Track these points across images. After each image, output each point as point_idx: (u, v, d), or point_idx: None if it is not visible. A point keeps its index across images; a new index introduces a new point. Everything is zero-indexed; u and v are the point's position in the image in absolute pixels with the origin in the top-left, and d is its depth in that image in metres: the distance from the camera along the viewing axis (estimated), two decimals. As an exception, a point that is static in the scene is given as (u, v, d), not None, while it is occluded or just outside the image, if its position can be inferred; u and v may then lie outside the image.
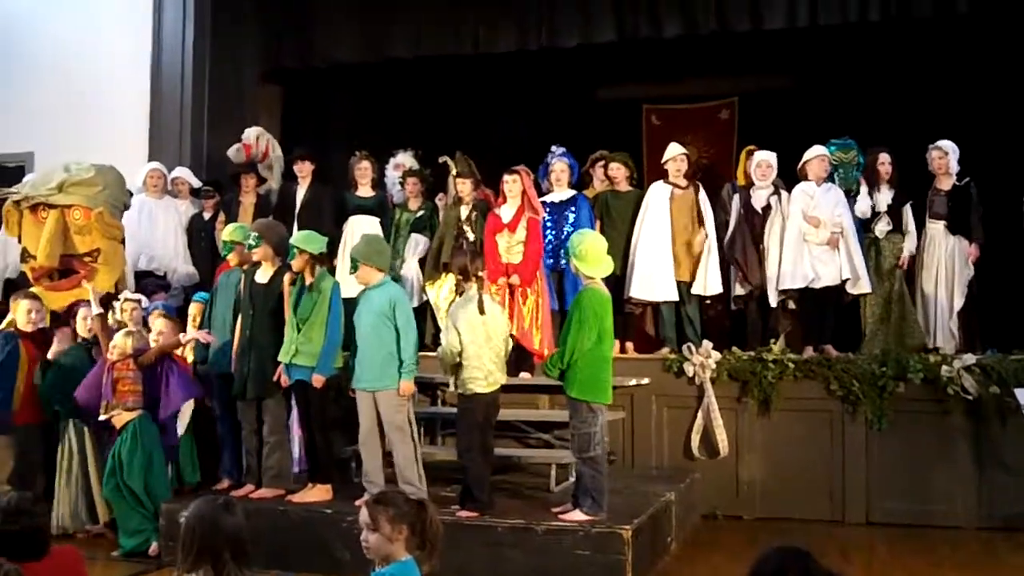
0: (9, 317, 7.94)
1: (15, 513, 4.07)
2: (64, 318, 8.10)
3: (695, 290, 8.92)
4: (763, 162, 9.00)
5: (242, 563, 3.70)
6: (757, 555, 3.10)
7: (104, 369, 7.29)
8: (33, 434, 7.73)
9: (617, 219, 9.06)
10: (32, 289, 8.37)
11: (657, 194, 9.02)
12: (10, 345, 7.72)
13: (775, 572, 3.07)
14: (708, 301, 9.03)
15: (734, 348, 8.60)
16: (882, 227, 8.95)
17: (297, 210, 9.76)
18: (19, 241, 8.96)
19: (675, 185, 9.01)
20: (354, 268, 6.89)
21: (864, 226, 8.96)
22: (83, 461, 7.69)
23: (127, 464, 7.12)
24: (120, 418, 7.20)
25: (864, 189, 9.00)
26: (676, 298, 8.86)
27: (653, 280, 8.83)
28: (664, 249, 8.85)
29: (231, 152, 10.43)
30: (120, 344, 7.27)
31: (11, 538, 4.01)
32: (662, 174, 9.29)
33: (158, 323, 7.92)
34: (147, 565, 6.88)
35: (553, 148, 9.31)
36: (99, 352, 7.67)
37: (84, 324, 7.91)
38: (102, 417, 7.23)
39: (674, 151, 9.12)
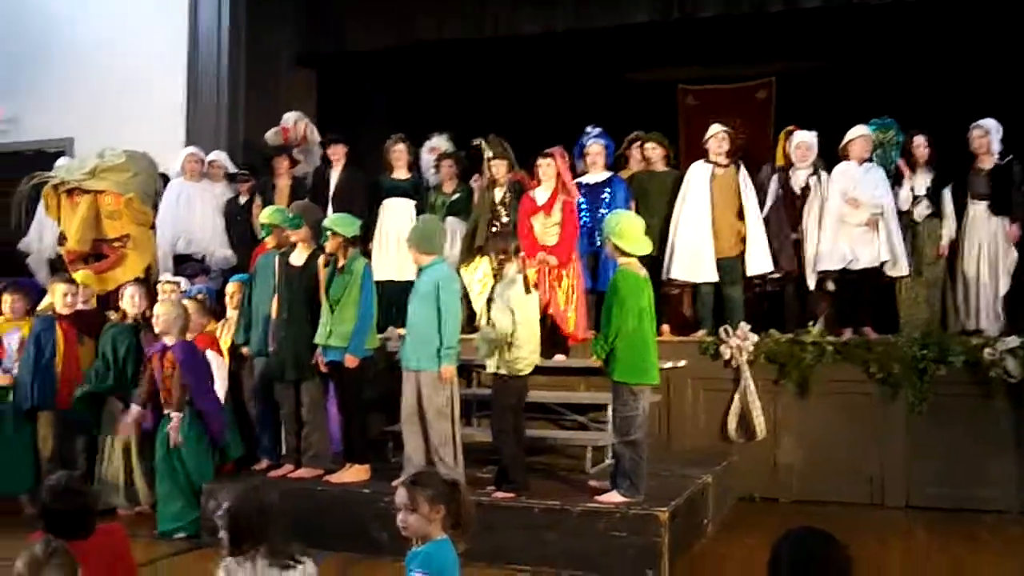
0: (47, 300, 8.02)
1: (64, 492, 4.14)
2: (113, 301, 8.14)
3: (749, 272, 8.79)
4: (802, 143, 8.91)
5: (288, 542, 3.76)
6: (781, 535, 3.09)
7: (150, 363, 7.35)
8: (73, 414, 7.80)
9: (653, 200, 8.99)
10: (79, 273, 8.47)
11: (698, 173, 8.92)
12: (46, 328, 7.83)
13: (795, 552, 3.06)
14: (756, 283, 8.96)
15: (771, 330, 8.53)
16: (921, 210, 8.82)
17: (331, 193, 9.81)
18: (58, 224, 9.09)
19: (716, 164, 8.92)
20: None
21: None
22: (124, 441, 7.76)
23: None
24: None
25: (908, 183, 8.87)
26: (716, 279, 8.78)
27: (694, 261, 8.74)
28: (705, 229, 8.76)
29: (269, 135, 10.53)
30: (164, 312, 7.30)
31: (60, 516, 4.07)
32: (698, 154, 9.22)
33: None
34: (189, 544, 6.94)
35: (588, 129, 9.27)
36: (146, 335, 7.76)
37: (132, 302, 7.97)
38: (173, 414, 7.22)
39: (715, 129, 9.02)
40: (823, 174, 8.83)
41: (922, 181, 8.88)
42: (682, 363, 8.45)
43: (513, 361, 6.59)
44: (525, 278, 6.67)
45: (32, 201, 9.49)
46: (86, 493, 4.22)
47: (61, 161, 10.27)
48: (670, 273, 8.79)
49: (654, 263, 8.52)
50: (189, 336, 7.51)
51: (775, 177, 9.03)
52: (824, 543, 3.06)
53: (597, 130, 9.21)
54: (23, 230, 10.08)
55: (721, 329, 8.54)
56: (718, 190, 8.83)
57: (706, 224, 8.77)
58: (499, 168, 9.00)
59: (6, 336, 7.98)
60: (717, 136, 8.96)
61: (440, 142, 10.27)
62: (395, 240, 9.56)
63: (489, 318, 6.69)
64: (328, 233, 7.11)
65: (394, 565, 5.64)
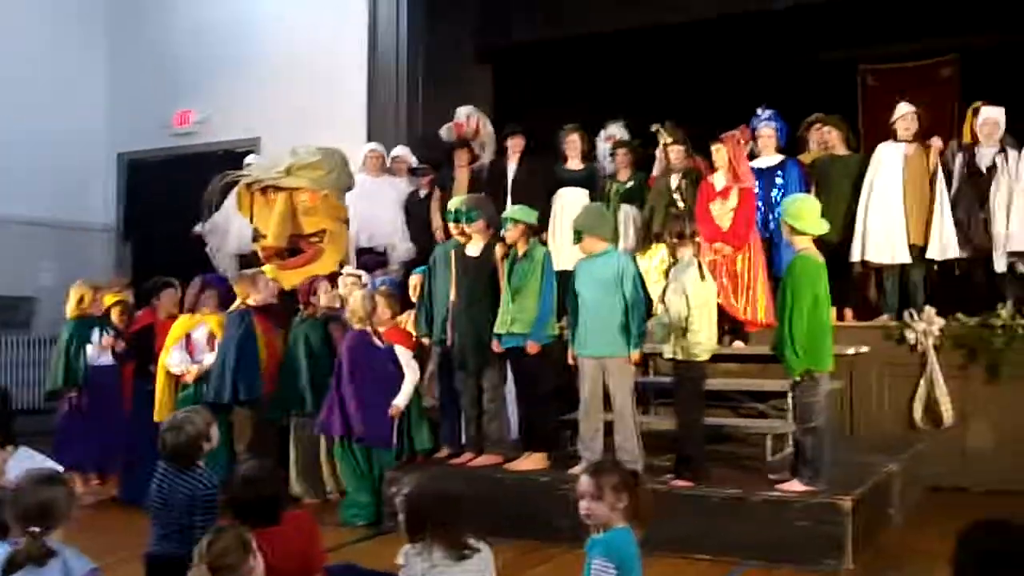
0: (240, 295, 8.35)
1: (251, 481, 4.31)
2: (303, 296, 8.27)
3: (930, 254, 8.51)
4: (988, 120, 8.56)
5: (465, 529, 3.85)
6: (967, 526, 2.98)
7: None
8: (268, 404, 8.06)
9: (834, 184, 8.78)
10: (265, 267, 8.82)
11: (887, 154, 8.67)
12: (245, 322, 8.08)
13: (983, 545, 2.95)
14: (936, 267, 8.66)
15: (959, 314, 8.23)
16: None
17: (509, 184, 9.94)
18: (251, 221, 9.47)
19: (906, 144, 8.64)
20: (578, 239, 6.95)
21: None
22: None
23: None
24: None
25: None
26: (909, 261, 8.51)
27: (887, 242, 8.50)
28: (897, 210, 8.51)
29: (443, 132, 10.76)
30: (353, 303, 7.51)
31: (246, 505, 4.24)
32: (879, 136, 8.97)
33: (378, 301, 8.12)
34: (371, 531, 7.14)
35: (758, 111, 9.11)
36: (334, 327, 8.05)
37: (326, 298, 8.21)
38: None
39: (904, 109, 8.76)
40: (1010, 152, 8.45)
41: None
42: (865, 349, 8.24)
43: (690, 346, 6.56)
44: (699, 264, 6.63)
45: (221, 199, 9.91)
46: (273, 481, 4.36)
47: (251, 159, 10.74)
48: (864, 255, 8.58)
49: (838, 248, 8.38)
50: (381, 328, 7.74)
51: (959, 155, 8.69)
52: (1015, 536, 2.95)
53: (767, 113, 9.02)
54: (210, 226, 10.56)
55: (906, 313, 8.31)
56: (908, 172, 8.56)
57: (898, 205, 8.52)
58: (675, 154, 8.97)
59: (194, 332, 8.27)
60: (905, 116, 8.70)
61: (616, 130, 10.26)
62: (569, 230, 9.61)
63: (664, 302, 6.68)
64: (509, 222, 7.22)
65: (573, 552, 5.73)
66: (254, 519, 4.10)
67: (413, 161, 10.78)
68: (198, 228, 10.69)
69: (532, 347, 7.10)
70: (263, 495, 4.27)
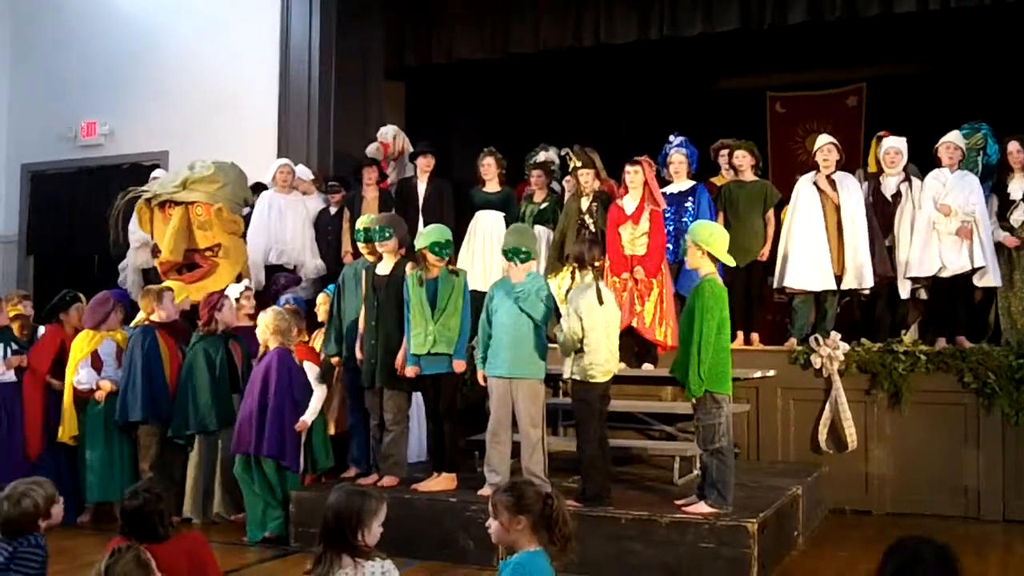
0: (142, 314, 8.18)
1: (136, 493, 4.24)
2: (205, 311, 8.05)
3: (846, 284, 8.54)
4: (891, 149, 8.74)
5: (372, 548, 3.80)
6: (892, 544, 3.03)
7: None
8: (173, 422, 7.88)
9: (742, 210, 8.85)
10: (169, 283, 8.65)
11: (808, 184, 8.71)
12: (149, 338, 7.92)
13: (910, 561, 2.99)
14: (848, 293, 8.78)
15: (863, 340, 8.39)
16: (1018, 216, 8.43)
17: (420, 204, 9.91)
18: (151, 237, 9.30)
19: (825, 174, 8.69)
20: (527, 258, 6.88)
21: (1001, 215, 8.57)
22: (212, 450, 7.88)
23: None
24: None
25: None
26: (834, 287, 8.56)
27: (812, 269, 8.52)
28: (820, 238, 8.53)
29: (370, 150, 10.64)
30: (272, 323, 7.39)
31: (132, 518, 4.16)
32: (786, 162, 9.11)
33: None
34: (276, 551, 7.03)
35: (671, 138, 9.21)
36: (233, 344, 7.94)
37: (230, 315, 8.09)
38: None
39: (823, 140, 8.83)
40: (914, 180, 8.64)
41: (1018, 186, 8.48)
42: (771, 373, 8.36)
43: (587, 367, 6.57)
44: (598, 288, 6.60)
45: (126, 216, 9.72)
46: (157, 497, 4.26)
47: (156, 174, 10.55)
48: (785, 282, 8.64)
49: (743, 272, 8.47)
50: (291, 347, 7.61)
51: (865, 184, 8.87)
52: (938, 554, 3.00)
53: (680, 139, 9.12)
54: (120, 244, 10.30)
55: (812, 338, 8.42)
56: (828, 202, 8.64)
57: (821, 233, 8.56)
58: (585, 177, 9.01)
59: (100, 348, 8.06)
60: (823, 148, 8.76)
61: (552, 155, 10.27)
62: (483, 252, 9.62)
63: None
64: (445, 249, 7.14)
65: (480, 573, 5.70)
66: (139, 534, 4.06)
67: (307, 177, 10.64)
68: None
69: (459, 365, 7.05)
70: (145, 508, 4.19)
